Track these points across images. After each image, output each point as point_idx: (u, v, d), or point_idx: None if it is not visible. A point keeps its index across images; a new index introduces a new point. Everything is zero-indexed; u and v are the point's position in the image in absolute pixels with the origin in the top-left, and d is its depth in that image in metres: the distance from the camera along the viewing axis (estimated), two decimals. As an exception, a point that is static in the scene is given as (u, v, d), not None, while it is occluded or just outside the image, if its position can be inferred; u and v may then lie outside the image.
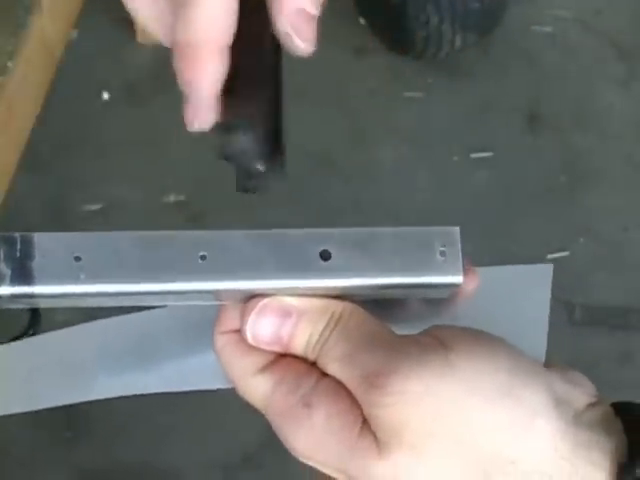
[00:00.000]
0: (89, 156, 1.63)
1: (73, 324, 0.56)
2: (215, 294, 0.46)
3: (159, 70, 1.65)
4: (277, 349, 0.47)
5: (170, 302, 0.48)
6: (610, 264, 1.64)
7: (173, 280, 0.45)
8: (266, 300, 0.46)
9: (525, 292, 0.54)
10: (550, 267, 0.55)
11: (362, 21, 1.81)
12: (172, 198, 1.62)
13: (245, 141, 0.43)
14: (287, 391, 0.45)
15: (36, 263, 0.44)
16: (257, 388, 0.46)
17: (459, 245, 0.46)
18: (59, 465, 1.42)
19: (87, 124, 1.66)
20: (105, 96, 1.69)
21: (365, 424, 0.44)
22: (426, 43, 1.72)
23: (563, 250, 1.63)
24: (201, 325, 0.51)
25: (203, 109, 0.42)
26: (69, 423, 1.42)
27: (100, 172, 1.61)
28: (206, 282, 0.45)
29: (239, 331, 0.47)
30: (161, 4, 0.46)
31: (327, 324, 0.46)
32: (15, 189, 1.02)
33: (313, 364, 0.46)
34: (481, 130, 1.73)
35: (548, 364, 0.47)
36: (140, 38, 1.70)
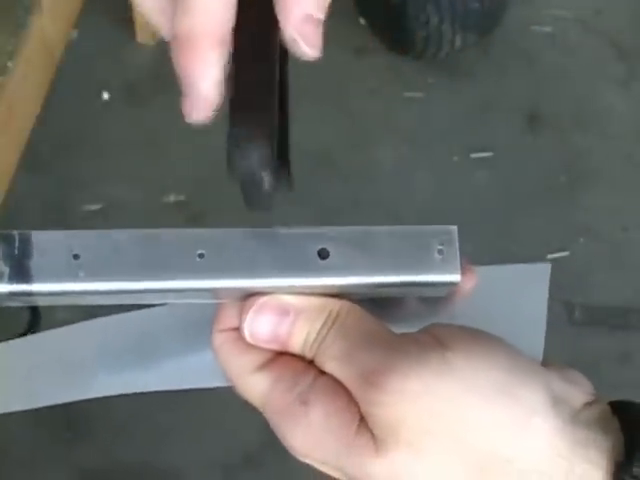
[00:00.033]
0: (89, 156, 1.63)
1: (73, 322, 0.56)
2: (213, 292, 0.46)
3: (159, 70, 1.65)
4: (275, 347, 0.47)
5: (168, 300, 0.48)
6: (610, 264, 1.63)
7: (171, 278, 0.45)
8: (264, 298, 0.46)
9: (523, 291, 0.54)
10: (548, 266, 0.55)
11: (362, 21, 1.81)
12: (172, 198, 1.61)
13: (257, 162, 0.41)
14: (285, 389, 0.45)
15: (34, 261, 0.44)
16: (255, 386, 0.46)
17: (457, 244, 0.46)
18: (59, 465, 1.41)
19: (87, 124, 1.66)
20: (105, 96, 1.69)
21: (362, 422, 0.44)
22: (426, 43, 1.72)
23: (563, 250, 1.63)
24: (201, 323, 0.51)
25: (201, 101, 0.42)
26: (69, 423, 1.42)
27: (100, 172, 1.61)
28: (204, 280, 0.45)
29: (237, 329, 0.47)
30: None
31: (325, 322, 0.46)
32: (15, 189, 1.02)
33: (311, 362, 0.46)
34: (481, 130, 1.73)
35: (546, 363, 0.47)
36: (140, 38, 1.70)
